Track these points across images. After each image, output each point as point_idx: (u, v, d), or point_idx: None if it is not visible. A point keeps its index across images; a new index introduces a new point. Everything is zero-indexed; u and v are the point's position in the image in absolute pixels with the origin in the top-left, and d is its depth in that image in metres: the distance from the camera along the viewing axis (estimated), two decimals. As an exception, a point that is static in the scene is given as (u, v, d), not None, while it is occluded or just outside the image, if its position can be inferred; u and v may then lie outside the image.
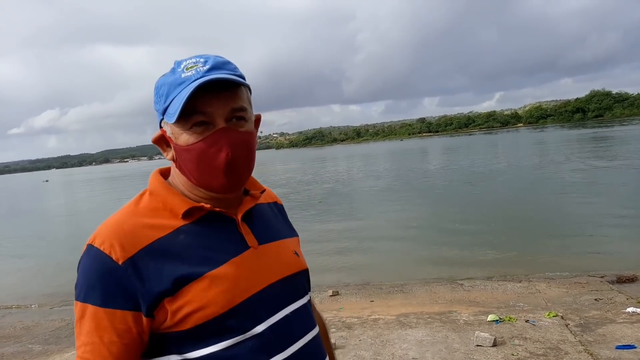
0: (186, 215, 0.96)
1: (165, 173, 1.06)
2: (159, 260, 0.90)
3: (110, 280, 0.87)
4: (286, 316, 0.98)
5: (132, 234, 0.91)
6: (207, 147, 0.92)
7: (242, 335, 0.92)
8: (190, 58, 0.96)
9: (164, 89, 0.95)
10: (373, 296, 6.83)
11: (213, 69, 0.93)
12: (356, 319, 5.55)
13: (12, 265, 12.79)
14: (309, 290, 1.12)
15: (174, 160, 1.00)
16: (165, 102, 0.94)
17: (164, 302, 0.89)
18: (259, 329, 0.93)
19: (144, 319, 0.89)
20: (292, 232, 1.17)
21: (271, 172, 47.28)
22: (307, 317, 1.05)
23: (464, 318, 5.24)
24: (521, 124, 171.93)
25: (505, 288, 6.65)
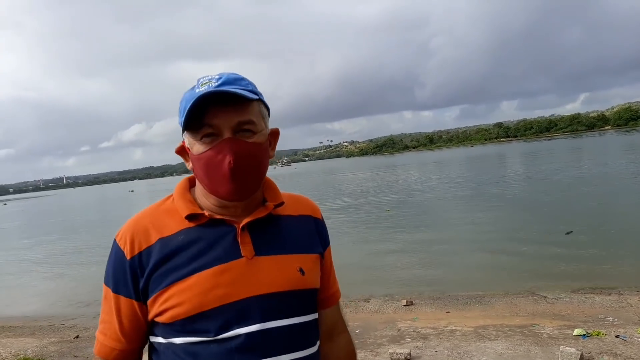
0: (190, 219, 1.05)
1: (193, 181, 1.15)
2: (157, 257, 1.02)
3: (121, 272, 1.04)
4: (262, 331, 1.00)
5: (143, 233, 1.05)
6: (213, 156, 1.00)
7: (206, 336, 0.99)
8: (207, 75, 1.04)
9: (183, 104, 1.03)
10: (449, 307, 6.68)
11: (224, 84, 1.00)
12: (432, 330, 5.45)
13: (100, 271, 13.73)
14: (313, 311, 1.11)
15: (192, 170, 1.08)
16: (182, 115, 1.02)
17: (154, 295, 1.02)
18: (226, 336, 0.99)
19: (143, 306, 1.04)
20: (311, 249, 1.15)
21: (340, 180, 47.47)
22: (293, 337, 1.04)
23: (547, 332, 5.00)
24: (609, 127, 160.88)
25: (592, 301, 6.26)
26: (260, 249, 1.05)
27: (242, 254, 1.03)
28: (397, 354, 4.50)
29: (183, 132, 1.06)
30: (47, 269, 14.36)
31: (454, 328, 5.46)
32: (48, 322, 8.03)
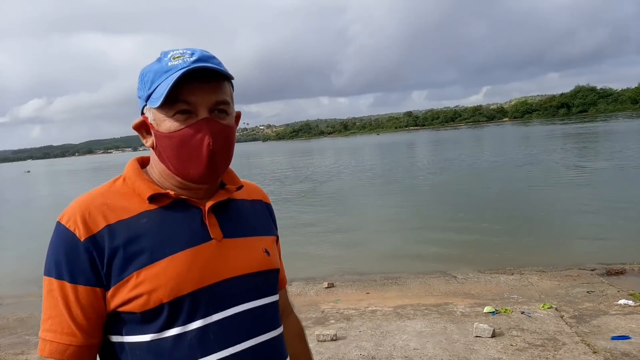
0: (152, 200, 0.99)
1: (143, 162, 1.10)
2: (117, 240, 0.93)
3: (74, 257, 0.92)
4: (237, 314, 0.98)
5: (97, 213, 0.95)
6: (190, 136, 0.95)
7: (182, 327, 0.93)
8: (177, 49, 0.99)
9: (149, 76, 0.98)
10: (368, 288, 6.90)
11: (199, 60, 0.96)
12: (354, 311, 5.62)
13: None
14: (277, 291, 1.12)
15: (153, 148, 1.02)
16: (149, 88, 0.97)
17: (118, 283, 0.92)
18: (202, 323, 0.94)
19: (105, 293, 0.94)
20: (270, 231, 1.16)
21: (256, 165, 47.15)
22: (265, 317, 1.04)
23: (460, 310, 5.34)
24: (507, 119, 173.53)
25: (498, 280, 6.76)
26: (227, 232, 1.02)
27: (212, 236, 1.00)
28: (323, 335, 4.59)
29: (145, 106, 1.00)
30: None
31: (374, 308, 5.66)
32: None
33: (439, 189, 18.23)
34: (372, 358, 4.12)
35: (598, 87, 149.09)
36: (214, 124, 0.97)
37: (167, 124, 0.96)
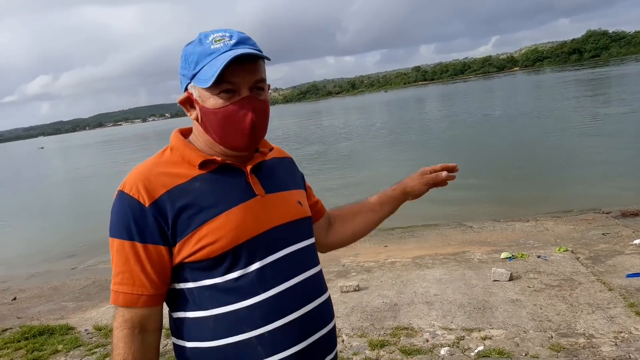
0: (202, 166, 1.14)
1: (184, 132, 1.24)
2: (178, 203, 1.08)
3: (142, 221, 1.07)
4: (286, 255, 1.15)
5: (156, 181, 1.10)
6: (234, 112, 1.09)
7: (244, 269, 1.09)
8: (217, 31, 1.12)
9: (194, 57, 1.10)
10: (386, 241, 7.07)
11: (239, 43, 1.09)
12: (374, 263, 5.80)
13: (27, 231, 13.06)
14: (312, 235, 1.28)
15: (197, 120, 1.16)
16: (194, 68, 1.10)
17: (183, 239, 1.08)
18: (260, 264, 1.11)
19: (170, 250, 1.10)
20: (298, 185, 1.33)
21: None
22: (307, 257, 1.21)
23: (477, 257, 5.48)
24: (517, 68, 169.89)
25: (513, 228, 6.89)
26: (267, 188, 1.19)
27: (256, 193, 1.16)
28: (346, 286, 4.78)
29: (189, 83, 1.13)
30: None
31: (394, 260, 5.83)
32: (-26, 288, 7.60)
33: (450, 143, 18.19)
34: (394, 305, 4.30)
35: (610, 31, 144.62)
36: (255, 101, 1.11)
37: (212, 101, 1.10)
